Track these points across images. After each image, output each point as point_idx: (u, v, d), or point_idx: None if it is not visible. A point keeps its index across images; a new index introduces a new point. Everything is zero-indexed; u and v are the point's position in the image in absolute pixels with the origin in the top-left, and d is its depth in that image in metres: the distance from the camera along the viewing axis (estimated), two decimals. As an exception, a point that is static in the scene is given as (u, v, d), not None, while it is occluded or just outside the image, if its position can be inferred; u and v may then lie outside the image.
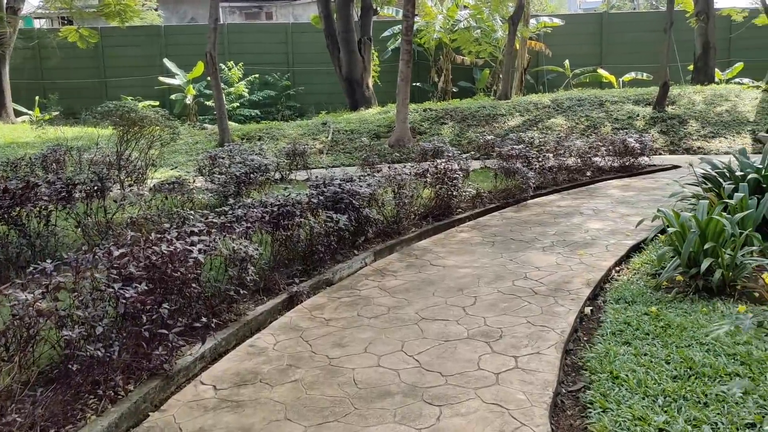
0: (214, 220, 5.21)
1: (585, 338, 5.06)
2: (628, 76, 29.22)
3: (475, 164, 14.21)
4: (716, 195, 7.44)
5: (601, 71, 29.59)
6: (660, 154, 15.98)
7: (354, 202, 6.96)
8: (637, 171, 13.05)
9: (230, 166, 9.54)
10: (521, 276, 6.45)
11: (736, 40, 29.24)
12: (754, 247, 5.88)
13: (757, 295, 5.60)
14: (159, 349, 4.10)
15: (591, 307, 5.68)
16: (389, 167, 8.34)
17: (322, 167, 15.29)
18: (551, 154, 11.18)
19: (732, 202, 6.26)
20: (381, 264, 7.14)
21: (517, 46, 23.70)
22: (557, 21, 30.26)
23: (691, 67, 25.10)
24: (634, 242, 7.63)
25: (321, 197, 6.73)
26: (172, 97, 25.67)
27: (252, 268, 5.20)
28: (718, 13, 25.33)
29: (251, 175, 9.18)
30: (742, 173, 7.27)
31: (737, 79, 26.51)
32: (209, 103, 24.09)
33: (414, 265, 7.04)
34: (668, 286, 5.94)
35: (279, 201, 6.19)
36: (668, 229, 5.87)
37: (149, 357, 4.10)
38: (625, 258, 7.17)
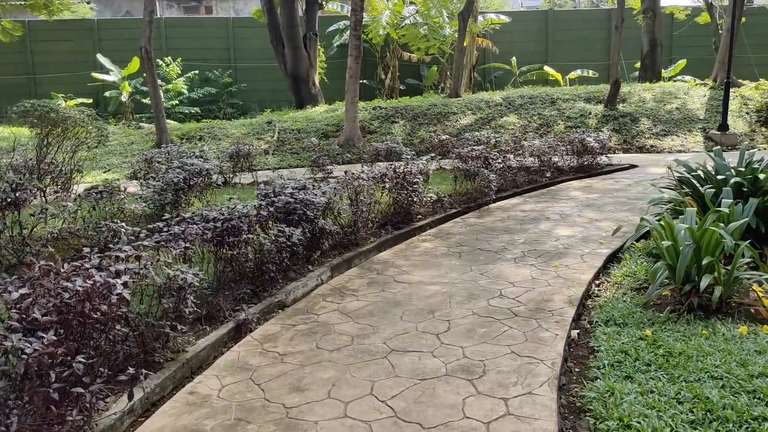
0: (145, 243, 4.36)
1: (577, 369, 4.46)
2: (574, 74, 29.25)
3: (431, 165, 13.62)
4: (694, 200, 7.00)
5: (547, 69, 29.54)
6: (614, 152, 15.72)
7: (308, 213, 6.20)
8: (596, 171, 12.68)
9: (167, 170, 8.62)
10: (496, 294, 5.82)
11: (678, 38, 29.54)
12: (745, 259, 5.41)
13: (753, 311, 5.13)
14: (74, 413, 3.27)
15: (578, 330, 5.10)
16: (345, 173, 7.59)
17: (269, 168, 14.43)
18: (511, 155, 10.65)
19: (724, 210, 5.76)
20: (339, 281, 6.41)
21: (466, 43, 23.25)
22: (504, 18, 30.03)
23: (638, 65, 25.18)
24: (609, 251, 7.13)
25: (271, 208, 5.95)
26: (107, 94, 24.21)
27: (191, 297, 4.39)
28: (662, 11, 25.48)
29: (191, 180, 8.29)
30: (722, 177, 6.84)
31: (680, 77, 26.81)
32: (146, 100, 22.75)
33: (376, 281, 6.33)
34: (656, 302, 5.42)
35: (223, 214, 5.38)
36: (662, 242, 5.31)
37: (63, 421, 3.27)
38: (603, 269, 6.65)
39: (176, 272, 4.30)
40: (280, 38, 21.35)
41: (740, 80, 21.43)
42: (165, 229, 4.99)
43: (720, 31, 27.00)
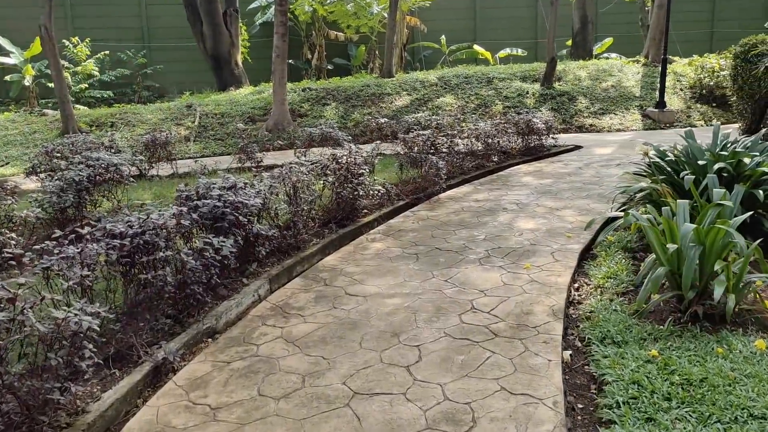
0: (20, 281, 3.25)
1: (581, 406, 3.68)
2: (504, 53, 28.89)
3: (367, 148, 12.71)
4: (672, 188, 6.37)
5: (476, 47, 29.06)
6: (555, 133, 15.20)
7: (241, 218, 5.17)
8: (543, 153, 12.07)
9: (69, 166, 7.34)
10: (467, 307, 4.98)
11: (604, 15, 29.53)
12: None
13: (761, 318, 4.49)
14: None
15: (570, 351, 4.32)
16: (282, 166, 6.55)
17: (190, 157, 13.14)
18: (459, 140, 9.83)
19: (727, 203, 5.08)
20: (281, 296, 5.41)
21: (396, 21, 22.31)
22: (432, -6, 29.25)
23: (569, 42, 24.93)
24: (581, 246, 6.42)
25: (194, 215, 4.88)
26: (7, 78, 22.00)
27: (90, 346, 3.33)
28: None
29: (97, 178, 7.05)
30: (703, 162, 6.21)
31: (605, 54, 26.81)
32: (52, 84, 20.78)
33: (325, 295, 5.38)
34: (650, 310, 4.71)
35: (133, 227, 4.29)
36: (668, 246, 4.55)
37: None
38: (578, 268, 5.92)
39: (69, 314, 3.23)
40: (198, 15, 19.81)
41: (670, 57, 21.42)
42: (56, 251, 3.86)
43: (646, 8, 27.16)
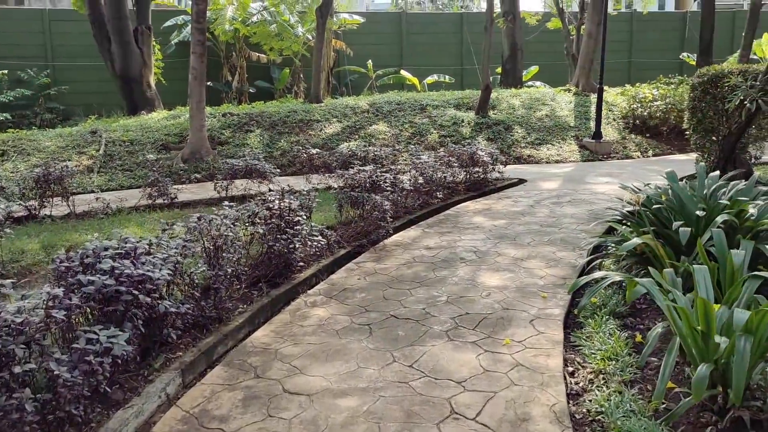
0: None
1: None
2: (431, 79, 28.42)
3: (298, 183, 11.49)
4: (662, 240, 5.49)
5: (404, 73, 28.47)
6: (501, 165, 14.45)
7: (141, 297, 3.86)
8: (488, 188, 11.19)
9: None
10: (445, 411, 3.84)
11: (529, 43, 29.54)
12: None
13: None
14: None
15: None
16: (199, 218, 5.24)
17: (92, 191, 11.52)
18: (404, 176, 8.75)
19: (764, 274, 4.18)
20: (197, 397, 4.11)
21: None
22: (358, 18, 28.50)
23: (499, 70, 24.59)
24: (561, 310, 5.44)
25: (76, 299, 3.54)
26: None
27: None
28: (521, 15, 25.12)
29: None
30: (702, 212, 5.35)
31: (530, 82, 26.73)
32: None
33: (256, 395, 4.11)
34: (678, 413, 3.73)
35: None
36: (716, 339, 3.56)
37: None
38: (566, 341, 4.91)
39: None
40: (106, 33, 18.09)
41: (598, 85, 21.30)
42: None
43: (571, 37, 27.30)
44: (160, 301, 4.14)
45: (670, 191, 6.02)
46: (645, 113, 17.30)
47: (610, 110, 18.38)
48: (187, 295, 4.83)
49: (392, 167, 9.16)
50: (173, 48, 24.01)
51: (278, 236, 5.91)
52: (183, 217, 9.15)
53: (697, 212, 5.30)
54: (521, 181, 12.25)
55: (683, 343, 3.74)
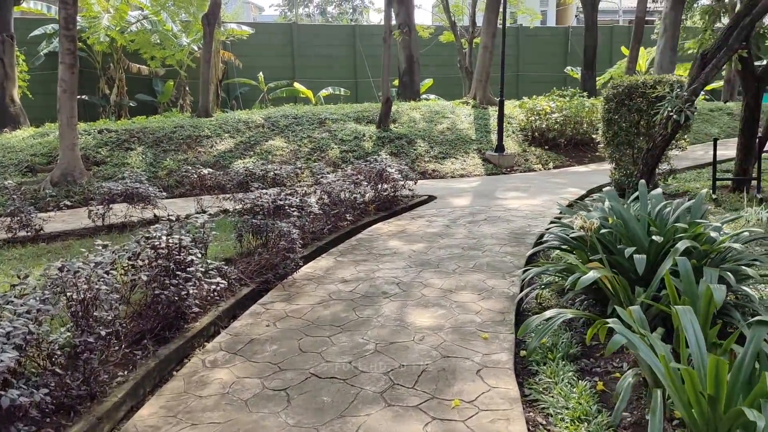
0: None
1: None
2: (326, 92, 27.67)
3: (188, 206, 10.29)
4: (612, 269, 4.90)
5: (297, 85, 27.55)
6: (412, 182, 13.82)
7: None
8: (399, 208, 10.46)
9: None
10: None
11: (423, 56, 29.51)
12: None
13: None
14: None
15: None
16: (61, 270, 4.08)
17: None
18: (312, 198, 7.81)
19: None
20: None
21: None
22: (247, 29, 27.30)
23: (396, 83, 24.16)
24: (508, 355, 4.72)
25: None
26: None
27: None
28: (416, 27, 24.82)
29: None
30: (658, 237, 4.79)
31: (425, 95, 26.56)
32: None
33: None
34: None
35: None
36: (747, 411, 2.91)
37: None
38: (522, 396, 4.18)
39: None
40: (-41, 39, 15.94)
41: (496, 98, 21.30)
42: None
43: (464, 50, 27.40)
44: (3, 392, 3.00)
45: (612, 212, 5.48)
46: (543, 125, 17.30)
47: (508, 123, 18.28)
48: (45, 371, 3.68)
49: (297, 188, 8.22)
50: (43, 59, 21.86)
51: (167, 281, 4.83)
52: (50, 254, 7.77)
53: (653, 237, 4.75)
54: (431, 198, 11.64)
55: (678, 407, 3.08)
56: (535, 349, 4.64)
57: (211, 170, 10.58)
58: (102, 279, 4.05)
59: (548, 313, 4.40)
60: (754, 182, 10.98)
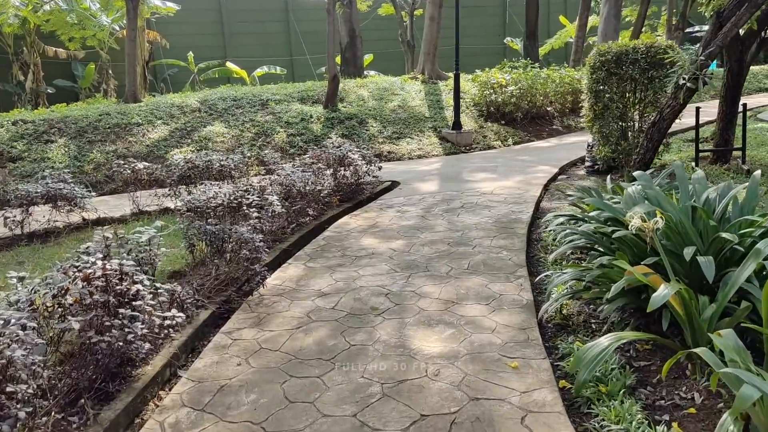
0: None
1: None
2: (261, 71, 26.20)
3: (122, 205, 9.00)
4: (671, 273, 4.02)
5: (230, 65, 25.98)
6: (376, 168, 12.74)
7: None
8: (363, 197, 9.41)
9: None
10: None
11: (362, 31, 28.33)
12: None
13: None
14: None
15: None
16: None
17: None
18: (273, 197, 6.64)
19: None
20: None
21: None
22: (172, 5, 25.37)
23: (338, 59, 22.88)
24: (552, 391, 3.79)
25: None
26: None
27: None
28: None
29: None
30: (730, 236, 3.91)
31: (366, 72, 25.44)
32: None
33: None
34: None
35: None
36: None
37: None
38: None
39: None
40: None
41: (444, 72, 20.36)
42: None
43: (404, 23, 26.30)
44: None
45: (648, 200, 4.60)
46: (499, 99, 16.48)
47: (461, 98, 17.38)
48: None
49: (251, 181, 7.03)
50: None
51: (106, 322, 3.66)
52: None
53: (722, 234, 3.86)
54: (395, 184, 10.62)
55: None
56: (585, 382, 3.72)
57: (146, 164, 9.24)
58: (18, 338, 2.87)
59: (604, 341, 3.49)
60: (734, 152, 10.46)
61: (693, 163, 10.04)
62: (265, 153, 10.00)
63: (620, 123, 7.68)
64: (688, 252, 3.87)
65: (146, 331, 3.90)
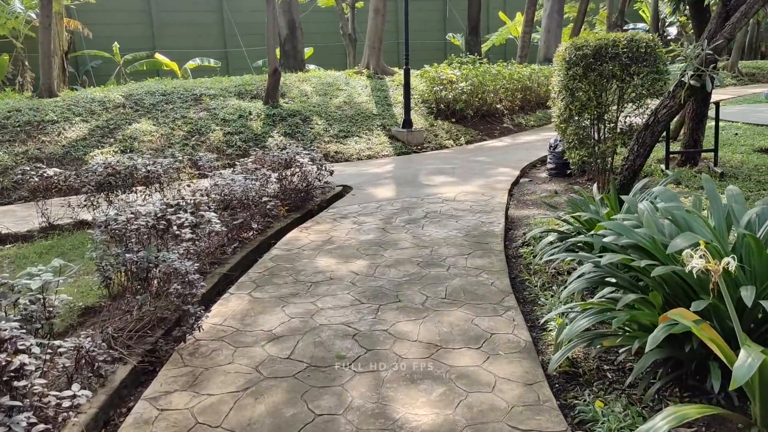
0: None
1: None
2: (193, 63, 24.72)
3: (30, 216, 7.72)
4: (714, 321, 3.20)
5: (159, 57, 24.39)
6: (327, 172, 11.66)
7: None
8: (313, 206, 8.36)
9: None
10: None
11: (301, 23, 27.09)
12: None
13: None
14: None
15: None
16: None
17: None
18: (212, 213, 5.53)
19: None
20: None
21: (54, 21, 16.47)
22: (93, -8, 23.58)
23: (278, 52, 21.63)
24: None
25: None
26: None
27: None
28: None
29: None
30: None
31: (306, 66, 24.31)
32: None
33: None
34: None
35: None
36: None
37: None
38: None
39: None
40: None
41: (390, 67, 19.44)
42: None
43: (345, 16, 25.25)
44: None
45: (677, 226, 3.76)
46: (450, 96, 15.65)
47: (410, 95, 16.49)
48: None
49: (182, 191, 5.90)
50: None
51: None
52: None
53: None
54: (346, 189, 9.62)
55: None
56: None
57: (58, 170, 7.92)
58: None
59: (662, 425, 2.61)
60: (703, 154, 9.93)
61: (662, 166, 9.45)
62: (200, 155, 8.81)
63: (598, 125, 6.93)
64: (747, 295, 3.04)
65: (35, 420, 2.79)
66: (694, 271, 2.79)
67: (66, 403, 2.97)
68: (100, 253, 4.64)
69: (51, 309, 3.40)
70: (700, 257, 2.80)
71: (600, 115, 7.00)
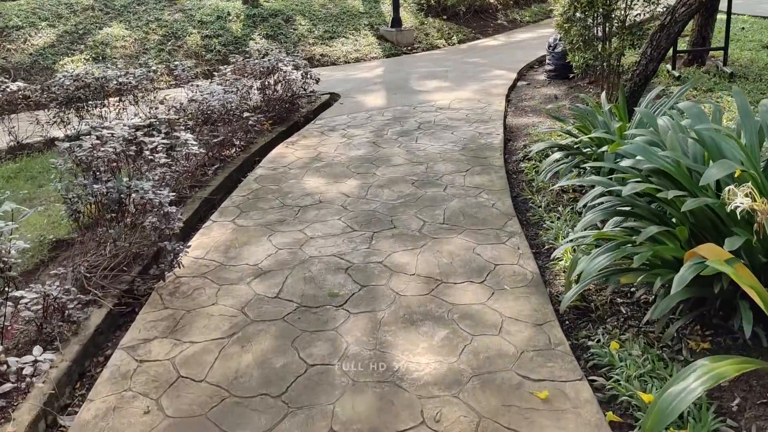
0: None
1: None
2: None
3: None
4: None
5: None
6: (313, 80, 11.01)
7: None
8: (299, 116, 7.86)
9: None
10: None
11: None
12: None
13: None
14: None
15: None
16: None
17: None
18: (189, 135, 5.04)
19: None
20: None
21: None
22: None
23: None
24: (606, 441, 2.66)
25: None
26: None
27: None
28: None
29: None
30: None
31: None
32: None
33: None
34: None
35: None
36: None
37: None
38: None
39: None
40: None
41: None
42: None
43: None
44: None
45: (706, 149, 3.37)
46: (441, -9, 14.73)
47: (398, -11, 15.49)
48: None
49: (167, 118, 5.40)
50: None
51: None
52: None
53: None
54: (334, 97, 9.07)
55: None
56: None
57: (22, 84, 7.31)
58: None
59: (695, 385, 2.34)
60: (711, 52, 9.38)
61: (668, 66, 8.92)
62: (176, 62, 8.18)
63: (604, 23, 6.35)
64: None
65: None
66: (737, 211, 2.42)
67: (28, 370, 2.65)
68: (65, 184, 4.21)
69: (5, 261, 3.02)
70: (746, 195, 2.42)
71: (608, 14, 6.41)
